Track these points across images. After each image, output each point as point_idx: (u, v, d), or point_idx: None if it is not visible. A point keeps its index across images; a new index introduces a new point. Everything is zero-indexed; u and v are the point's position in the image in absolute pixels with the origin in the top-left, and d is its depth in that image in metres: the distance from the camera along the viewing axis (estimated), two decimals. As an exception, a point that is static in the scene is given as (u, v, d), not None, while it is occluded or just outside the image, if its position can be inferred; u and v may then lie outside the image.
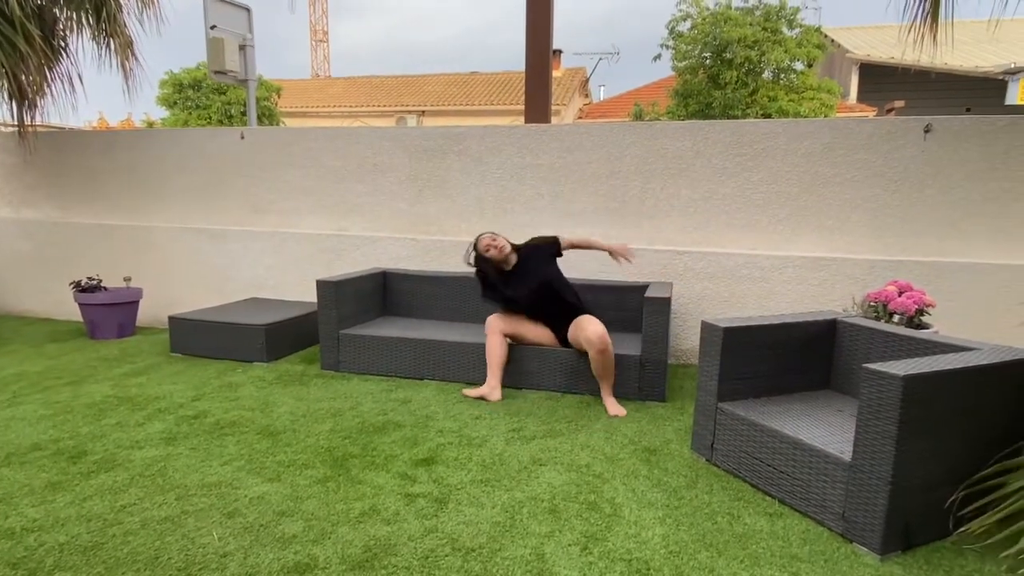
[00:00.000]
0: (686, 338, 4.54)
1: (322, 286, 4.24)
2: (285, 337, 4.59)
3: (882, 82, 15.31)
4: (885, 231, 4.23)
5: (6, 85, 5.05)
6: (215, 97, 15.57)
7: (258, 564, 2.06)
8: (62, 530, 2.25)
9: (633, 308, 4.30)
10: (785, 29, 12.76)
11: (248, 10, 6.49)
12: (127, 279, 5.26)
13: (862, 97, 15.71)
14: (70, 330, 5.41)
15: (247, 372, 4.22)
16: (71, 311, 5.62)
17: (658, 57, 14.21)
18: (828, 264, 4.22)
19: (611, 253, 3.96)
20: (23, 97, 5.23)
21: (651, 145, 4.56)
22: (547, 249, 4.01)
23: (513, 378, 3.92)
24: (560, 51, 22.58)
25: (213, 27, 6.04)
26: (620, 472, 2.79)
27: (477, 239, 3.96)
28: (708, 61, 13.11)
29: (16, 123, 5.39)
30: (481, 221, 4.99)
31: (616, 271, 4.61)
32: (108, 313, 5.06)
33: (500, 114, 20.19)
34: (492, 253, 3.88)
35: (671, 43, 13.70)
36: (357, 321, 4.46)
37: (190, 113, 15.56)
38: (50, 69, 5.30)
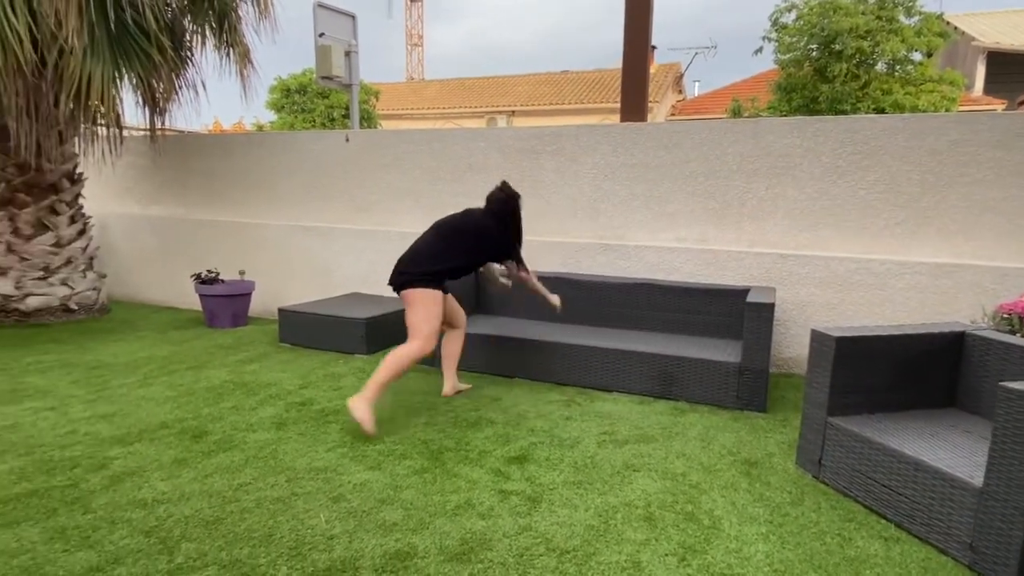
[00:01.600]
0: (788, 346, 4.32)
1: (418, 283, 4.37)
2: (384, 331, 4.77)
3: (1013, 72, 13.93)
4: (1020, 236, 3.84)
5: (141, 92, 5.55)
6: (318, 101, 16.43)
7: (362, 549, 2.15)
8: (187, 504, 2.44)
9: (731, 313, 4.14)
10: (902, 17, 11.87)
11: (353, 17, 6.79)
12: (241, 272, 5.65)
13: (988, 89, 14.37)
14: (190, 318, 5.87)
15: (348, 363, 4.42)
16: (191, 301, 6.11)
17: (759, 51, 13.61)
18: (952, 271, 3.88)
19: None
20: (155, 103, 5.73)
21: (755, 143, 4.37)
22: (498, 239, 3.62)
23: (603, 379, 3.88)
24: (655, 47, 22.11)
25: (321, 35, 6.37)
26: (718, 483, 2.69)
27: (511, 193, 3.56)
28: (815, 53, 12.41)
29: (148, 127, 5.91)
30: (573, 220, 4.97)
31: (713, 274, 4.47)
32: (224, 304, 5.46)
33: (592, 113, 20.05)
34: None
35: (774, 35, 13.09)
36: (450, 318, 4.56)
37: (296, 116, 16.49)
38: (177, 77, 5.77)
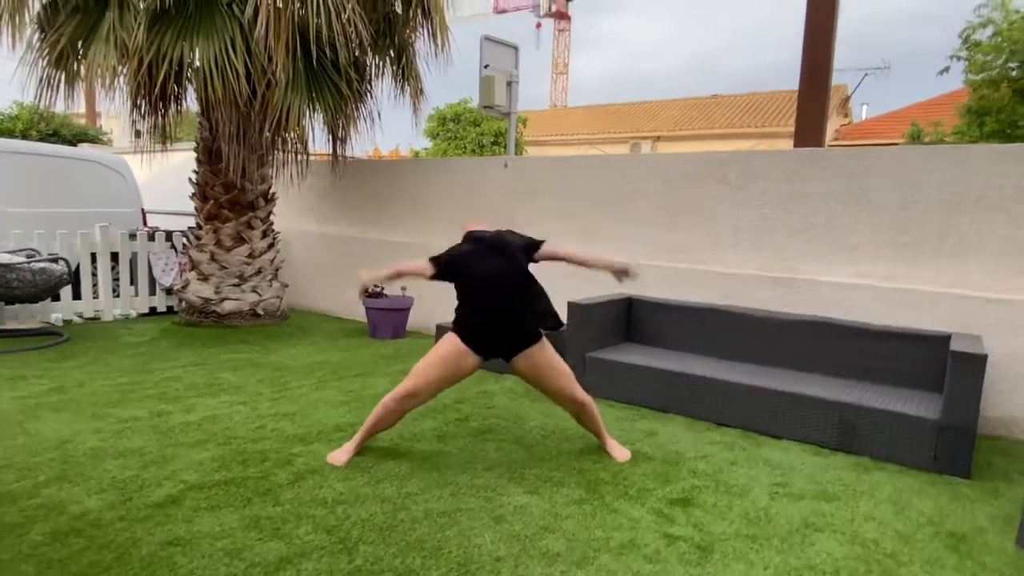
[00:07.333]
0: (996, 405, 3.75)
1: (574, 308, 4.35)
2: (533, 354, 4.80)
3: None
4: None
5: (328, 122, 6.11)
6: (470, 129, 17.23)
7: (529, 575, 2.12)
8: (362, 507, 2.57)
9: (926, 361, 3.68)
10: None
11: (516, 48, 7.04)
12: (403, 288, 5.99)
13: None
14: (355, 328, 6.31)
15: (499, 382, 4.49)
16: (356, 312, 6.56)
17: (946, 70, 12.31)
18: None
19: (614, 273, 3.18)
20: (338, 132, 6.28)
21: (959, 172, 3.89)
22: (523, 242, 3.17)
23: (769, 424, 3.59)
24: (815, 70, 20.76)
25: (487, 66, 6.66)
26: (919, 557, 2.36)
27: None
28: (1015, 72, 11.00)
29: (331, 154, 6.49)
30: (735, 251, 4.72)
31: (903, 316, 4.01)
32: (386, 317, 5.80)
33: (743, 138, 19.21)
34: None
35: (964, 54, 11.79)
36: (602, 345, 4.49)
37: (449, 143, 17.42)
38: (357, 108, 6.29)
